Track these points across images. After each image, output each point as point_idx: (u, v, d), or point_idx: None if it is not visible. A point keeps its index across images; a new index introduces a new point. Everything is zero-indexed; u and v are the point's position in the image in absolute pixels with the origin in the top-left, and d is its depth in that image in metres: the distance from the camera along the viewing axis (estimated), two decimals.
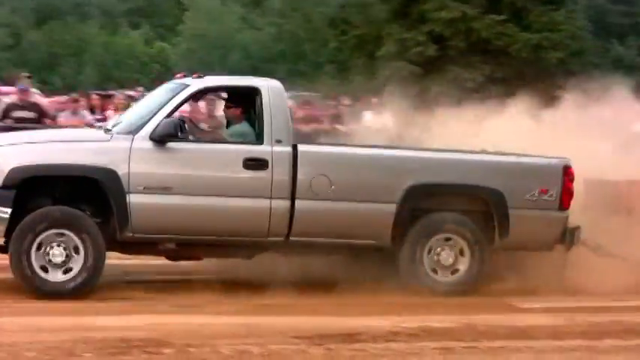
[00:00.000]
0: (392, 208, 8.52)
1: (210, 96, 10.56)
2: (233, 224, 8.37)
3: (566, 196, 8.95)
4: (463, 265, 8.77)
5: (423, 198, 8.70)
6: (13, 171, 8.04)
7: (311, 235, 8.49)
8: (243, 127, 8.78)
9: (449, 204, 8.82)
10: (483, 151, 9.28)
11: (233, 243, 8.53)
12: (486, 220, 8.84)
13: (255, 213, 8.37)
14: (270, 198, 8.37)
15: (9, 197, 8.03)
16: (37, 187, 8.23)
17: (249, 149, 8.50)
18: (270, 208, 8.36)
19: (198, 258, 8.97)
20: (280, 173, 8.40)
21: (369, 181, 8.61)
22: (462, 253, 8.75)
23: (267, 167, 8.38)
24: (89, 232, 8.09)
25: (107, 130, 8.79)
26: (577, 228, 9.07)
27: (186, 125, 8.74)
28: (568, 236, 8.95)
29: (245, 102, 8.85)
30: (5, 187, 8.07)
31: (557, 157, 9.18)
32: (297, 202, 8.40)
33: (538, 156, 9.33)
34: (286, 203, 8.40)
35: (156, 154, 8.30)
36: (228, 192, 8.36)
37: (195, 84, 8.82)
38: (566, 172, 9.00)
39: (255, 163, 8.38)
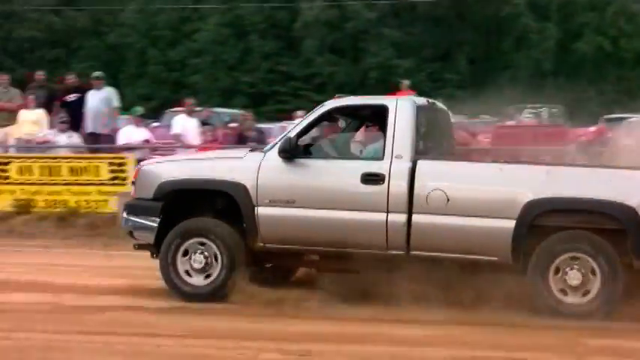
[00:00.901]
0: (510, 223, 8.37)
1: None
2: (352, 237, 8.72)
3: None
4: (594, 287, 8.29)
5: (543, 214, 8.42)
6: (161, 185, 9.18)
7: (430, 250, 8.59)
8: (376, 145, 9.11)
9: (574, 220, 8.41)
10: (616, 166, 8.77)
11: (359, 256, 8.80)
12: (620, 239, 8.27)
13: (372, 226, 8.68)
14: (387, 212, 8.63)
15: (157, 208, 9.19)
16: (186, 201, 9.29)
17: (369, 164, 8.84)
18: (387, 221, 8.63)
19: (348, 270, 9.31)
20: (397, 188, 8.63)
21: (486, 196, 8.55)
22: (592, 273, 8.27)
23: (384, 182, 8.64)
24: (225, 241, 8.93)
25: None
26: None
27: (321, 143, 9.35)
28: None
29: (379, 121, 9.20)
30: (155, 199, 9.22)
31: None
32: (414, 216, 8.58)
33: None
34: (403, 217, 8.61)
35: (281, 170, 8.91)
36: (346, 205, 8.77)
37: (328, 104, 9.32)
38: None
39: (372, 178, 8.69)
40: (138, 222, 9.47)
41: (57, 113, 17.65)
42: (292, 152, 8.96)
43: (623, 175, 8.69)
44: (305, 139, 9.24)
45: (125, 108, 19.83)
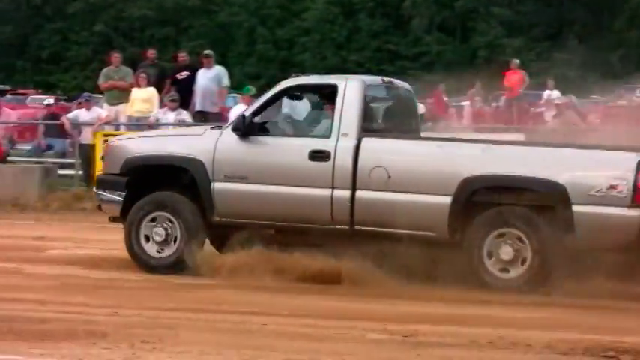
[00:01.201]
0: (447, 200, 8.79)
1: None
2: (300, 212, 9.23)
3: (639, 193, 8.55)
4: (526, 262, 8.74)
5: (478, 191, 8.83)
6: (127, 161, 9.82)
7: (373, 225, 9.02)
8: (326, 123, 9.70)
9: (508, 197, 8.83)
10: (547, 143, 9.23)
11: (308, 230, 9.33)
12: (552, 216, 8.72)
13: (319, 202, 9.16)
14: (332, 188, 9.09)
15: (123, 183, 9.82)
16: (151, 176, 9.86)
17: (316, 142, 9.32)
18: (332, 196, 9.10)
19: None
20: (342, 165, 9.07)
21: (425, 173, 8.98)
22: (524, 248, 8.71)
23: (330, 159, 9.10)
24: (183, 215, 9.45)
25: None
26: None
27: (276, 120, 9.94)
28: None
29: (330, 100, 9.63)
30: (122, 174, 9.85)
31: (633, 150, 8.82)
32: (358, 193, 9.03)
33: (610, 148, 9.09)
34: (347, 193, 9.06)
35: (236, 147, 9.41)
36: (294, 182, 9.26)
37: (283, 83, 9.86)
38: None
39: (319, 155, 9.16)
40: (106, 196, 10.02)
41: (168, 91, 18.11)
42: (246, 130, 9.43)
43: (554, 154, 9.13)
44: (245, 116, 9.69)
45: (233, 87, 20.36)
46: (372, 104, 9.91)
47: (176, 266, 9.62)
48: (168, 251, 9.69)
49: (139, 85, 17.91)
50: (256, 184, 9.32)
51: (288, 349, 7.36)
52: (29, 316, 8.29)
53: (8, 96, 36.50)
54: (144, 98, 17.81)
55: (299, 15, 53.23)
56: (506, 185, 8.90)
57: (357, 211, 9.10)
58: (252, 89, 18.84)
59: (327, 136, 9.33)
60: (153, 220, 9.74)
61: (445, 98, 24.20)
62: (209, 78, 17.80)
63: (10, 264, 10.44)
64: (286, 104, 10.47)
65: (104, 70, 19.14)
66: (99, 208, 10.42)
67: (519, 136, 15.13)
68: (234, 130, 9.45)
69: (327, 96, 9.93)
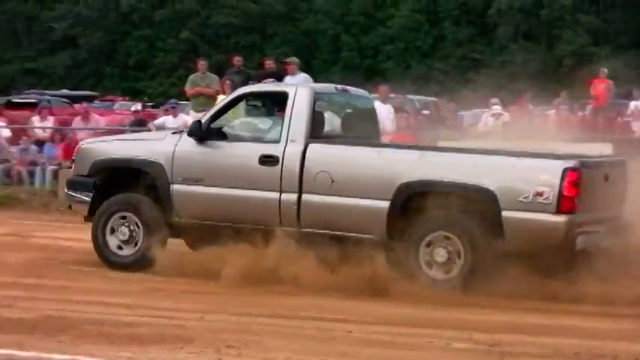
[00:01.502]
0: (386, 204, 9.17)
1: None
2: (251, 214, 9.75)
3: (564, 200, 8.88)
4: (457, 264, 9.08)
5: (414, 196, 9.21)
6: (94, 163, 10.53)
7: (318, 227, 9.50)
8: (277, 129, 10.20)
9: (442, 202, 9.18)
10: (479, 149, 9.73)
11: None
12: (483, 220, 9.09)
13: (268, 204, 9.69)
14: (280, 191, 9.61)
15: (90, 184, 10.54)
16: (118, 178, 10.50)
17: (266, 147, 9.80)
18: (280, 199, 9.61)
19: None
20: (289, 169, 9.57)
21: (365, 178, 9.41)
22: (457, 252, 9.07)
23: (278, 163, 9.59)
24: (145, 216, 10.04)
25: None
26: (593, 233, 9.11)
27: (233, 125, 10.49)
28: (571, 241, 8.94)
29: (283, 106, 10.20)
30: (90, 175, 10.57)
31: (561, 158, 9.29)
32: (304, 196, 9.53)
33: (538, 155, 9.58)
34: (293, 197, 9.56)
35: (193, 151, 9.95)
36: (245, 185, 9.81)
37: (240, 90, 10.65)
38: (566, 175, 8.85)
39: (268, 160, 9.65)
40: (75, 196, 10.74)
41: None
42: (202, 135, 9.98)
43: (485, 160, 9.52)
44: (200, 122, 10.29)
45: None
46: (323, 111, 10.34)
47: (136, 264, 10.31)
48: (128, 250, 10.40)
49: (224, 92, 18.08)
50: (211, 186, 9.84)
51: (372, 356, 7.59)
52: (117, 319, 8.63)
53: (96, 102, 37.86)
54: None
55: (384, 22, 53.97)
56: (439, 191, 9.24)
57: (303, 214, 9.57)
58: None
59: (276, 141, 9.77)
60: (121, 218, 10.37)
61: (530, 107, 24.17)
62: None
63: (95, 268, 10.91)
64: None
65: (190, 77, 19.81)
66: (69, 207, 11.28)
67: (606, 146, 15.22)
68: (191, 134, 9.98)
69: (279, 103, 10.42)
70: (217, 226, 10.07)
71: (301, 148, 9.59)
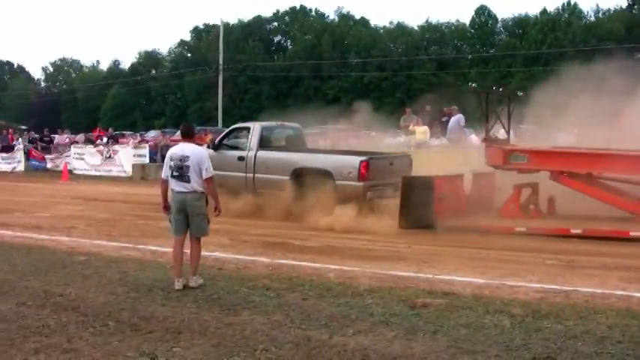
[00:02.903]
0: (288, 177, 19.17)
1: None
2: (236, 183, 20.05)
3: (360, 175, 18.07)
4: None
5: (299, 173, 19.08)
6: None
7: (263, 189, 19.84)
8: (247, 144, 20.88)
9: (311, 176, 18.73)
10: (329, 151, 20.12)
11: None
12: (329, 184, 18.44)
13: (242, 178, 20.11)
14: (246, 173, 20.09)
15: None
16: None
17: (241, 152, 20.30)
18: (246, 176, 20.12)
19: None
20: (250, 162, 20.05)
21: (280, 166, 19.44)
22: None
23: (244, 160, 20.10)
24: None
25: None
26: (378, 190, 18.46)
27: (229, 142, 21.02)
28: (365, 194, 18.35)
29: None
30: None
31: (361, 155, 18.88)
32: (255, 175, 20.03)
33: (351, 153, 19.48)
34: (251, 175, 20.04)
35: (212, 154, 19.16)
36: (233, 169, 20.09)
37: (231, 128, 21.73)
38: (361, 163, 18.11)
39: (241, 158, 20.20)
40: None
41: (435, 127, 28.63)
42: (215, 147, 20.47)
43: (329, 157, 19.51)
44: (225, 141, 20.73)
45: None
46: (267, 135, 20.71)
47: None
48: None
49: (418, 125, 28.90)
50: (219, 171, 17.79)
51: (504, 268, 12.17)
52: (361, 247, 14.47)
53: None
54: (422, 131, 28.38)
55: None
56: (308, 171, 18.72)
57: (256, 183, 19.75)
58: None
59: (245, 150, 20.06)
60: None
61: None
62: (454, 120, 27.98)
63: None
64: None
65: (402, 117, 30.61)
66: None
67: None
68: (209, 147, 20.38)
69: (248, 132, 20.47)
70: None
71: (254, 153, 19.81)
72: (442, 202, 16.67)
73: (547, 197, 17.73)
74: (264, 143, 20.37)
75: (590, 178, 16.87)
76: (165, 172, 11.10)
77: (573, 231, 15.36)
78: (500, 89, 19.77)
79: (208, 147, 21.01)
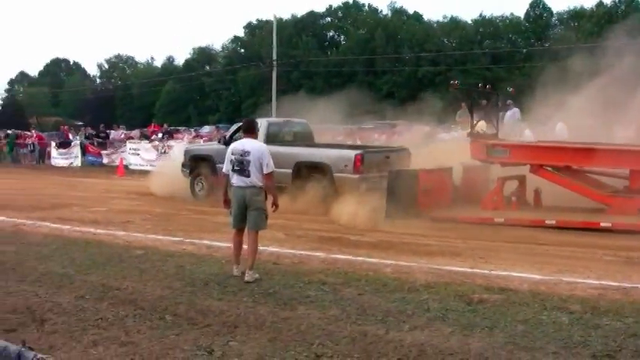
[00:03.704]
0: (290, 170, 19.58)
1: None
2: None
3: (355, 167, 18.88)
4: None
5: (300, 166, 19.76)
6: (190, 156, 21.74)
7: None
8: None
9: (311, 170, 19.53)
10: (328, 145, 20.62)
11: None
12: (326, 177, 19.16)
13: None
14: None
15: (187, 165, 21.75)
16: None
17: None
18: None
19: None
20: None
21: (284, 159, 19.19)
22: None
23: None
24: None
25: None
26: (371, 181, 18.69)
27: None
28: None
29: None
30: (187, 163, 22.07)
31: (357, 149, 19.76)
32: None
33: (348, 147, 20.53)
34: None
35: (222, 149, 19.94)
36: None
37: (241, 122, 20.77)
38: (356, 157, 19.05)
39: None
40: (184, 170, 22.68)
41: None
42: (225, 142, 20.78)
43: (327, 150, 20.51)
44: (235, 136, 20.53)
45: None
46: (274, 130, 21.02)
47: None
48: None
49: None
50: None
51: (562, 263, 12.21)
52: (418, 242, 14.51)
53: None
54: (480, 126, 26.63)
55: None
56: (309, 164, 19.80)
57: None
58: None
59: None
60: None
61: None
62: (509, 114, 27.24)
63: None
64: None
65: (458, 112, 29.79)
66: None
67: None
68: (220, 142, 21.19)
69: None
70: None
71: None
72: (426, 194, 17.55)
73: (533, 190, 18.38)
74: (270, 138, 20.75)
75: (568, 171, 17.74)
76: (227, 167, 11.40)
77: (547, 222, 16.19)
78: (487, 86, 19.87)
79: (219, 142, 22.17)
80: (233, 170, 11.25)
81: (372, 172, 19.13)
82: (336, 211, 17.76)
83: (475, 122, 19.34)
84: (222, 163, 18.66)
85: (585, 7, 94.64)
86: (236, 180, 11.22)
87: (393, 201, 17.08)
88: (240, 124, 21.52)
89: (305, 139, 22.62)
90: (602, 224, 15.69)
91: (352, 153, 19.51)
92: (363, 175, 19.05)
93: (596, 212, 16.80)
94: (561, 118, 22.73)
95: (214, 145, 23.05)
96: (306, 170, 19.75)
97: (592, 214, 16.65)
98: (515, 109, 27.31)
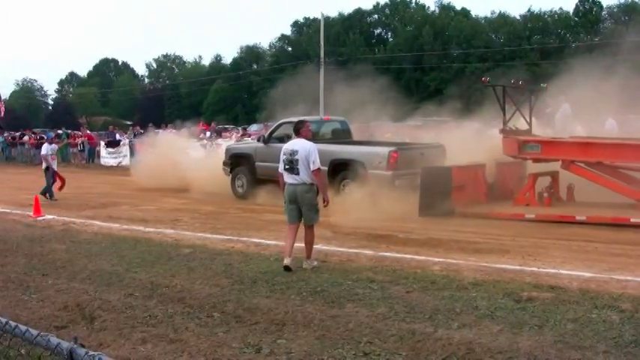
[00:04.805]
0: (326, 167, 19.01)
1: None
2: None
3: (389, 164, 18.94)
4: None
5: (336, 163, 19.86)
6: (230, 154, 21.83)
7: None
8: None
9: (346, 166, 19.60)
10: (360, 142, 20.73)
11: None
12: (362, 174, 19.00)
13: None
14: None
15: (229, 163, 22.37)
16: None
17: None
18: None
19: None
20: None
21: (323, 157, 19.70)
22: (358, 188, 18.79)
23: None
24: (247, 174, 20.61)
25: None
26: (406, 179, 18.59)
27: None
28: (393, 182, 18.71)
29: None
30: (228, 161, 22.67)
31: (390, 145, 19.54)
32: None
33: (381, 144, 20.22)
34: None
35: (262, 146, 21.63)
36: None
37: (280, 122, 22.31)
38: (390, 154, 18.94)
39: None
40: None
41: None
42: (264, 141, 21.57)
43: (360, 148, 20.61)
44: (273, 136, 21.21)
45: None
46: (312, 129, 20.35)
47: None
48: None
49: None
50: (270, 162, 19.41)
51: (612, 262, 11.88)
52: (467, 240, 14.32)
53: None
54: None
55: None
56: (344, 161, 19.88)
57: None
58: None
59: None
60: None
61: None
62: (560, 111, 24.43)
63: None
64: None
65: None
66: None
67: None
68: (260, 140, 21.40)
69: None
70: (269, 179, 19.92)
71: None
72: (460, 191, 17.85)
73: (566, 185, 18.46)
74: (315, 135, 20.44)
75: (600, 166, 17.48)
76: (280, 166, 12.01)
77: (578, 218, 16.32)
78: (520, 82, 19.74)
79: (259, 140, 22.48)
80: (285, 169, 11.88)
81: (406, 169, 19.19)
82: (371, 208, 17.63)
83: (507, 118, 19.17)
84: (262, 161, 19.95)
85: (637, 1, 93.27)
86: (287, 178, 11.87)
87: (427, 197, 17.30)
88: (279, 122, 22.23)
89: (344, 136, 22.76)
90: (633, 220, 15.55)
91: (386, 150, 19.66)
92: (396, 171, 19.15)
93: (631, 208, 16.50)
94: (611, 114, 22.47)
95: (254, 144, 23.37)
96: (343, 167, 19.94)
97: (624, 209, 16.40)
98: (566, 105, 26.83)
